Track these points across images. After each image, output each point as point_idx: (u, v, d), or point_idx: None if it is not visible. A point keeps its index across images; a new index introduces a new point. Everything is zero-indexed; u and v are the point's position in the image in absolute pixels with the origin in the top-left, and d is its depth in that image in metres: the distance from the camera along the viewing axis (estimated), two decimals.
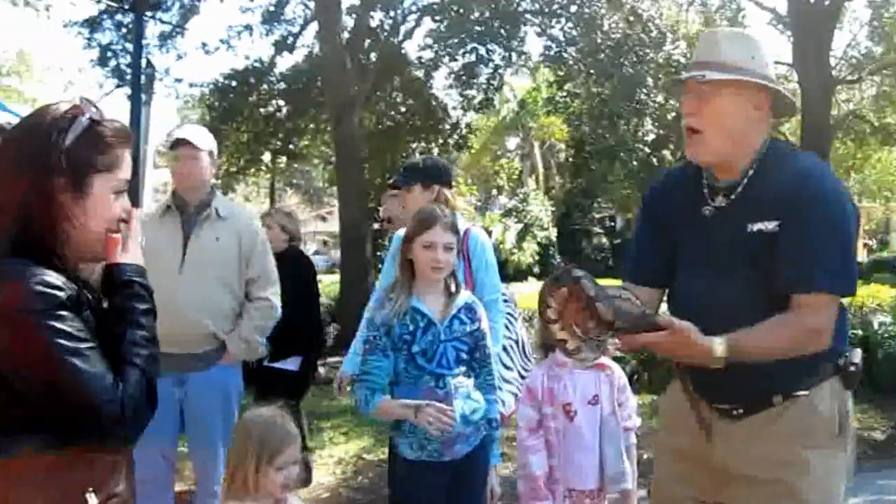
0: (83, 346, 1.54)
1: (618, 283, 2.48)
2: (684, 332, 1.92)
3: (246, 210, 3.99)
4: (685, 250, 2.28)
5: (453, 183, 3.83)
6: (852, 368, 2.17)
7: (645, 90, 13.90)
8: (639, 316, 1.95)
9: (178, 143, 3.63)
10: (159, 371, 1.73)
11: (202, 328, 3.53)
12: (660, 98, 13.81)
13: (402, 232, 3.25)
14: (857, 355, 2.19)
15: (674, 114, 15.09)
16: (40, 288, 1.52)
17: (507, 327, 3.81)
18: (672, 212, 2.33)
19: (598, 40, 13.82)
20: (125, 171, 1.72)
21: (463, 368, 3.04)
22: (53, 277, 1.55)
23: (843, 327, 2.17)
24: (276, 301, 3.80)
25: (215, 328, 3.58)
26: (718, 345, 1.94)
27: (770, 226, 2.07)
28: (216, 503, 3.64)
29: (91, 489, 1.60)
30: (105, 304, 1.73)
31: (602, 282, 2.12)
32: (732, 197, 2.17)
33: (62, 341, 1.52)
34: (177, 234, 3.59)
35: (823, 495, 2.12)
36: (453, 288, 3.07)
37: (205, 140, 3.68)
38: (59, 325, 1.52)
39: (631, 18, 14.32)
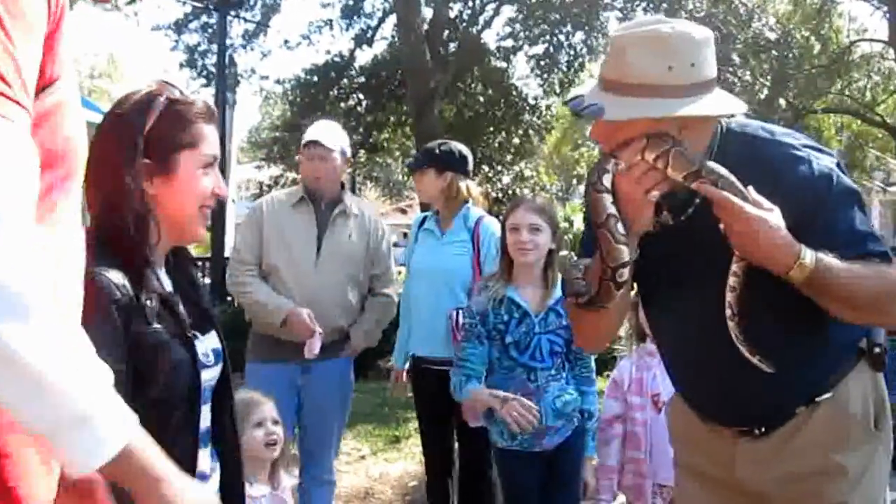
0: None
1: None
2: (779, 219, 1.61)
3: (371, 208, 4.08)
4: (644, 271, 1.89)
5: (469, 171, 3.80)
6: (877, 349, 1.88)
7: (731, 69, 13.52)
8: (729, 177, 1.64)
9: (309, 145, 3.65)
10: None
11: (333, 322, 3.60)
12: (748, 76, 13.42)
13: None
14: (880, 332, 1.91)
15: (766, 92, 14.67)
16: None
17: None
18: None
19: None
20: (211, 147, 1.71)
21: (557, 361, 3.02)
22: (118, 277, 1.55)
23: None
24: (396, 298, 3.88)
25: (343, 322, 3.66)
26: (809, 253, 1.61)
27: None
28: (324, 490, 3.71)
29: None
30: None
31: None
32: (682, 218, 1.81)
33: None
34: (311, 227, 3.63)
35: (863, 499, 1.86)
36: (552, 279, 3.05)
37: (336, 138, 3.70)
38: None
39: None
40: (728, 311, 1.72)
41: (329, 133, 3.71)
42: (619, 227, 1.71)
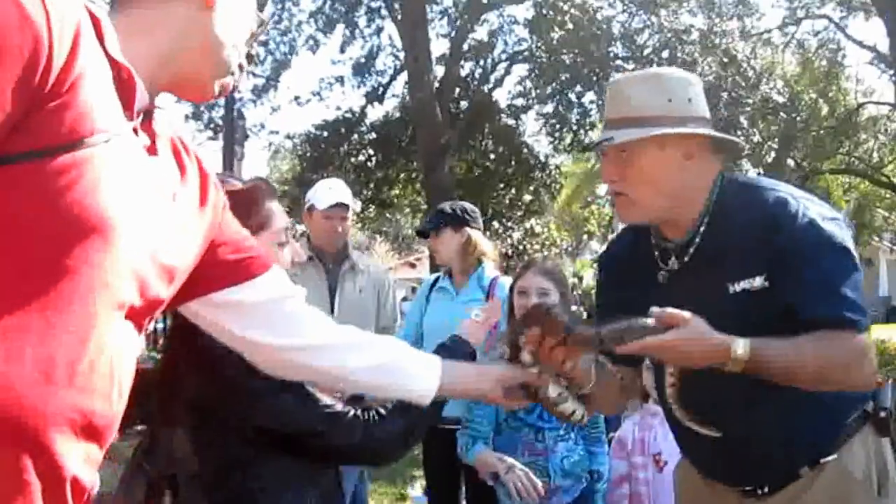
0: None
1: None
2: (699, 327, 1.61)
3: (376, 261, 4.14)
4: None
5: (480, 227, 3.86)
6: (882, 413, 1.86)
7: (741, 131, 13.63)
8: (629, 325, 1.64)
9: (337, 206, 3.67)
10: None
11: None
12: (756, 138, 13.52)
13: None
14: (886, 396, 1.88)
15: (773, 154, 14.77)
16: None
17: None
18: (629, 278, 2.01)
19: None
20: (281, 221, 1.79)
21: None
22: None
23: None
24: None
25: None
26: (741, 344, 1.61)
27: (757, 283, 1.75)
28: None
29: None
30: None
31: None
32: (686, 259, 1.86)
33: None
34: (322, 285, 3.65)
35: None
36: None
37: (341, 198, 3.72)
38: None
39: (725, 60, 14.11)
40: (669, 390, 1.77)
41: (347, 193, 3.76)
42: (552, 390, 1.74)
